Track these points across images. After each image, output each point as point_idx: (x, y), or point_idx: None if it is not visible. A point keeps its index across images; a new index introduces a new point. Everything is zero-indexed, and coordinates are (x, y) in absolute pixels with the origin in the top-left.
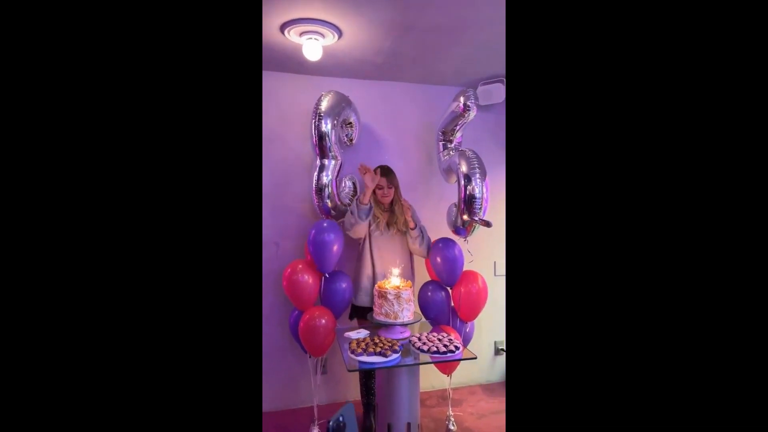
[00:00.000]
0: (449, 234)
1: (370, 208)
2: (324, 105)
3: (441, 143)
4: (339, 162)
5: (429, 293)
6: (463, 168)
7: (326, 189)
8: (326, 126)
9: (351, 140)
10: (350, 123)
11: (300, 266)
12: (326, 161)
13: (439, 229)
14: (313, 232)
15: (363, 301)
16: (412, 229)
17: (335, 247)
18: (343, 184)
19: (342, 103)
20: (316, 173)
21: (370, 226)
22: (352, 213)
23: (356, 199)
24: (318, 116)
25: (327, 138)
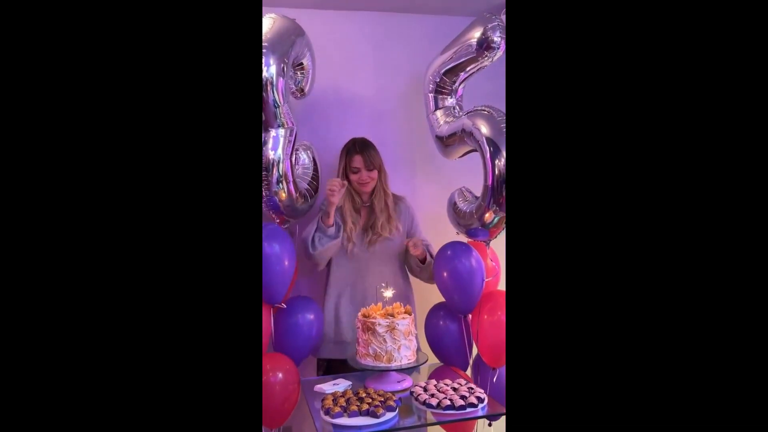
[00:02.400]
0: (453, 235)
1: (339, 227)
2: (264, 34)
3: (433, 96)
4: (294, 131)
5: (441, 322)
6: (485, 130)
7: (276, 169)
8: (269, 69)
9: (302, 90)
10: (301, 65)
11: None
12: (272, 132)
13: (442, 228)
14: None
15: (330, 351)
16: (423, 261)
17: (285, 263)
18: (295, 158)
19: (291, 35)
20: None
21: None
22: (313, 242)
23: (318, 219)
24: None
25: (272, 89)
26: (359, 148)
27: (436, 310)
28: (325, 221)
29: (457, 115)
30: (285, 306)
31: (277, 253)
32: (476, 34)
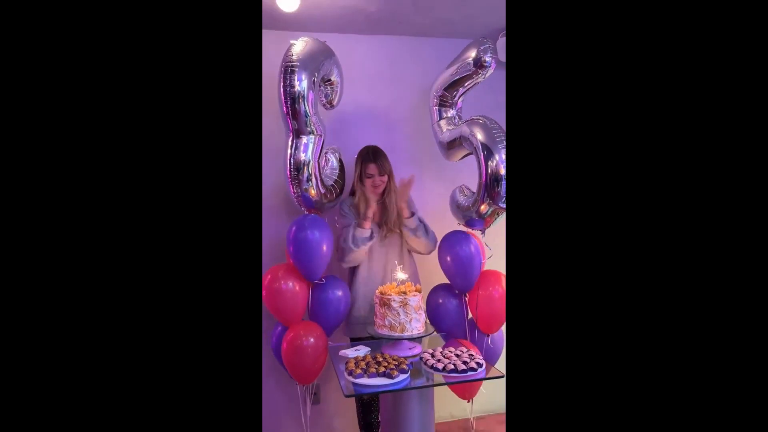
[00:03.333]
0: (454, 225)
1: (371, 235)
2: (297, 53)
3: (436, 109)
4: (322, 138)
5: (440, 300)
6: (480, 137)
7: (305, 169)
8: (301, 84)
9: (331, 103)
10: (330, 80)
11: (281, 272)
12: (304, 139)
13: (444, 220)
14: (294, 228)
15: (356, 331)
16: (408, 217)
17: (324, 248)
18: (324, 161)
19: (321, 55)
20: (289, 152)
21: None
22: (345, 241)
23: (354, 224)
24: (289, 70)
25: (303, 101)
26: (373, 156)
27: (435, 290)
28: (362, 223)
29: (456, 124)
30: (324, 281)
31: (318, 239)
32: (472, 54)
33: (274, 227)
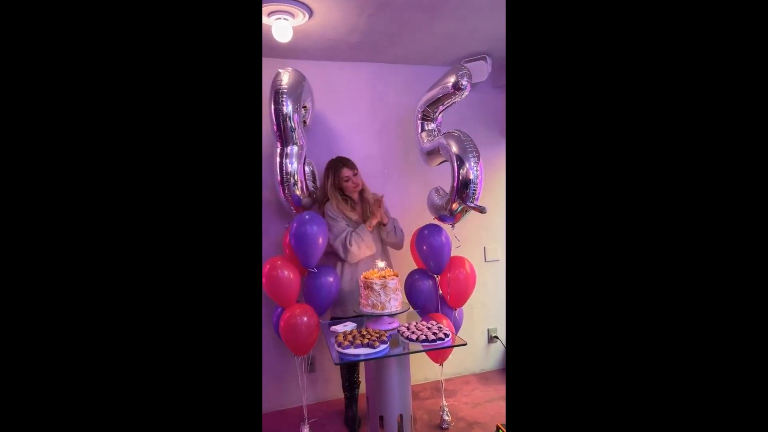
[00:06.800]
0: (430, 219)
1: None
2: (285, 82)
3: (420, 122)
4: (304, 148)
5: (416, 282)
6: (455, 149)
7: (293, 178)
8: (288, 107)
9: (305, 122)
10: (305, 106)
11: (279, 262)
12: (289, 148)
13: (425, 215)
14: (295, 224)
15: (341, 310)
16: (385, 224)
17: (320, 240)
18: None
19: (302, 82)
20: (278, 161)
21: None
22: (348, 242)
23: (350, 230)
24: (279, 95)
25: (290, 120)
26: (343, 162)
27: (412, 274)
28: (368, 229)
29: (436, 136)
30: (317, 270)
31: (315, 233)
32: (452, 79)
33: (272, 225)
